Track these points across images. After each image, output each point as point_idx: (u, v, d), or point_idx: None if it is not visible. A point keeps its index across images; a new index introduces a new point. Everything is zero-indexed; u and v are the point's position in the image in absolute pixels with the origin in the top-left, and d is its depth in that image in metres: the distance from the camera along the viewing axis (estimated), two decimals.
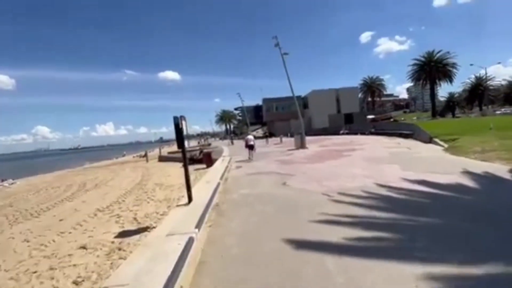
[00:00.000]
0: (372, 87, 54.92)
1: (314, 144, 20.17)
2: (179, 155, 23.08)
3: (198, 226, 3.87)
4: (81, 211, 8.09)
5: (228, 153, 19.89)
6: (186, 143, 6.07)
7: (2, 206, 10.32)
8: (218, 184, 6.69)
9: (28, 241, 5.88)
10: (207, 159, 14.89)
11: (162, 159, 24.37)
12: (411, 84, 50.99)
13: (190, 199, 5.71)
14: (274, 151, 17.50)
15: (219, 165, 11.19)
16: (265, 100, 52.64)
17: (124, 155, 53.40)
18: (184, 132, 6.05)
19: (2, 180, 25.84)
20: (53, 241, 5.71)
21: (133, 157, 42.88)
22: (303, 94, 51.37)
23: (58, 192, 12.36)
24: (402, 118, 40.24)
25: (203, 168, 14.91)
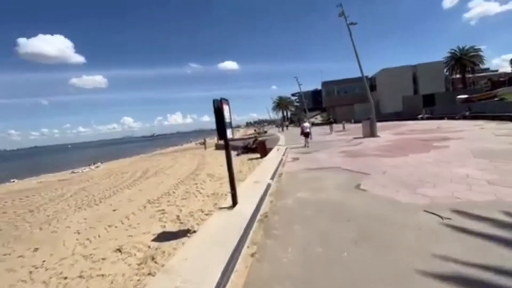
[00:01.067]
0: (463, 60, 44.22)
1: (387, 131, 16.96)
2: (235, 143, 22.79)
3: (234, 254, 2.68)
4: (134, 201, 8.03)
5: (284, 141, 18.48)
6: (230, 132, 4.91)
7: (78, 190, 11.53)
8: (269, 185, 5.36)
9: (79, 233, 5.83)
10: (261, 149, 13.83)
11: (218, 147, 24.67)
12: None
13: (234, 201, 4.62)
14: (337, 139, 15.27)
15: (273, 156, 9.93)
16: (324, 84, 48.57)
17: (191, 141, 57.46)
18: (227, 119, 4.88)
19: (94, 163, 30.78)
20: (98, 236, 5.47)
21: (195, 144, 45.65)
22: (370, 75, 45.32)
23: (124, 178, 13.27)
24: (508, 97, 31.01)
25: (257, 158, 13.94)
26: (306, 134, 13.08)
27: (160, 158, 23.68)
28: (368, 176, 5.58)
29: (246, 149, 16.84)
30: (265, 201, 4.60)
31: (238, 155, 16.65)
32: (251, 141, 16.65)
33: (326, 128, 32.38)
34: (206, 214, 5.81)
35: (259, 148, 14.07)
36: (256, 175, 6.71)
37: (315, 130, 27.22)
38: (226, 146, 4.79)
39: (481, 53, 44.75)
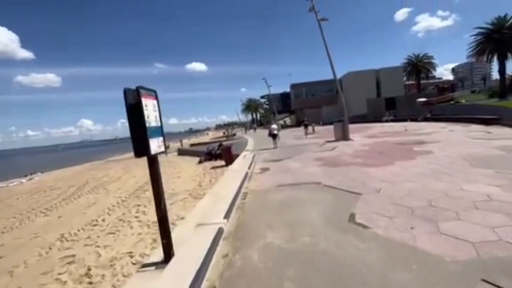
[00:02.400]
0: (418, 66, 47.43)
1: (357, 133, 16.33)
2: (199, 148, 20.65)
3: None
4: (42, 237, 5.74)
5: (253, 145, 16.92)
6: (158, 143, 3.14)
7: None
8: (220, 229, 3.58)
9: None
10: (226, 155, 12.07)
11: (181, 152, 22.29)
12: (469, 59, 42.99)
13: (168, 254, 2.87)
14: (309, 143, 14.12)
15: (239, 166, 8.24)
16: (293, 86, 48.43)
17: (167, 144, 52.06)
18: (153, 122, 3.09)
19: (30, 174, 26.10)
20: None
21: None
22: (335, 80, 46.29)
23: (50, 197, 10.51)
24: (463, 100, 33.43)
25: (222, 166, 12.14)
26: (273, 136, 13.45)
27: (111, 167, 20.50)
28: (360, 198, 4.17)
29: (210, 156, 14.92)
30: (216, 252, 2.87)
31: (200, 162, 14.66)
32: (215, 146, 14.78)
33: (297, 130, 31.71)
34: (134, 264, 3.90)
35: (224, 154, 12.30)
36: (212, 196, 4.95)
37: (285, 133, 26.23)
38: (151, 165, 3.00)
39: (433, 61, 48.52)
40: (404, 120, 25.41)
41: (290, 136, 21.63)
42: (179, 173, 12.13)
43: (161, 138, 3.24)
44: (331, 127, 27.89)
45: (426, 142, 9.65)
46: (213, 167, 12.28)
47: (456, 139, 9.72)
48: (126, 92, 2.78)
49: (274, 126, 14.16)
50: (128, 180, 12.46)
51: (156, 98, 3.21)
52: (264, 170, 7.58)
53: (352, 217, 3.47)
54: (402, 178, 5.11)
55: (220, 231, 2.90)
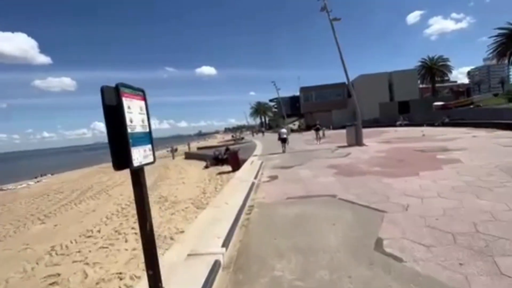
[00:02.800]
0: (433, 69, 45.82)
1: (371, 138, 15.52)
2: (206, 152, 20.22)
3: None
4: (31, 249, 5.32)
5: (261, 149, 16.37)
6: (146, 152, 2.56)
7: None
8: (217, 262, 3.00)
9: None
10: (233, 161, 11.57)
11: (188, 156, 21.98)
12: (489, 61, 41.21)
13: None
14: (320, 148, 13.45)
15: (245, 172, 7.69)
16: (302, 89, 47.71)
17: (168, 148, 49.95)
18: (138, 128, 2.53)
19: (41, 175, 26.41)
20: None
21: (167, 151, 42.00)
22: (347, 81, 45.31)
23: (52, 202, 10.27)
24: (480, 104, 31.83)
25: (228, 172, 11.62)
26: (283, 140, 13.22)
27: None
28: (386, 217, 3.53)
29: (217, 161, 14.45)
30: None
31: (206, 167, 14.20)
32: (222, 150, 14.31)
33: (306, 134, 30.89)
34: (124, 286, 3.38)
35: (230, 160, 11.79)
36: (214, 208, 4.41)
37: (294, 138, 25.52)
38: (134, 181, 2.46)
39: (448, 63, 46.80)
40: (420, 125, 24.27)
41: (300, 141, 20.96)
42: (183, 178, 11.70)
43: (149, 146, 2.70)
44: (342, 131, 27.01)
45: (450, 149, 8.83)
46: (219, 173, 11.78)
47: (484, 146, 8.86)
48: (103, 90, 2.26)
49: (283, 130, 14.01)
50: (129, 186, 12.07)
51: (144, 98, 2.67)
52: (273, 178, 7.00)
53: (379, 244, 2.84)
54: (431, 192, 4.43)
55: (216, 265, 2.34)
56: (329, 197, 4.74)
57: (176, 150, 38.04)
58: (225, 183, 9.15)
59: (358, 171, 6.88)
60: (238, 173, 8.14)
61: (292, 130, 42.10)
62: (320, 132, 25.79)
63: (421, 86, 50.46)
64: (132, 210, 7.40)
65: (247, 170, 7.92)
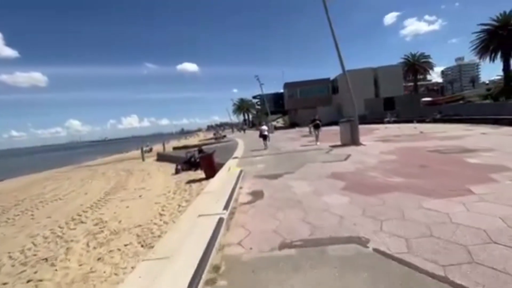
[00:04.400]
0: (416, 66, 45.88)
1: (365, 136, 13.81)
2: (179, 153, 17.72)
3: None
4: None
5: (243, 149, 14.19)
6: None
7: None
8: None
9: None
10: (207, 166, 9.29)
11: (160, 157, 19.29)
12: (460, 61, 41.68)
13: None
14: (311, 148, 11.48)
15: (219, 187, 5.48)
16: (287, 85, 45.95)
17: (148, 147, 44.27)
18: None
19: None
20: None
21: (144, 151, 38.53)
22: (331, 77, 44.12)
23: None
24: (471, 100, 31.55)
25: (200, 180, 9.34)
26: (264, 137, 13.47)
27: (73, 176, 17.28)
28: None
29: (190, 165, 12.09)
30: None
31: (177, 172, 11.79)
32: (196, 152, 11.96)
33: (290, 132, 28.95)
34: None
35: (204, 164, 9.49)
36: (155, 264, 2.21)
37: (278, 135, 23.51)
38: None
39: (430, 60, 47.08)
40: (408, 121, 23.22)
41: (285, 139, 18.98)
42: (143, 189, 9.27)
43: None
44: (328, 128, 25.48)
45: (474, 150, 7.17)
46: (190, 181, 9.47)
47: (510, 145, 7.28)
48: None
49: (264, 127, 14.36)
50: (76, 199, 9.43)
51: None
52: (256, 196, 4.86)
53: None
54: None
55: None
56: (355, 246, 2.68)
57: (150, 150, 34.76)
58: (193, 198, 6.92)
59: (373, 183, 4.91)
60: (210, 185, 5.92)
61: (276, 128, 40.23)
62: (303, 129, 23.87)
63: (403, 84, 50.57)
64: (43, 251, 4.95)
65: (221, 183, 5.72)
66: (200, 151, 11.25)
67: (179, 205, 6.45)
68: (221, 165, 9.44)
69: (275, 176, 6.38)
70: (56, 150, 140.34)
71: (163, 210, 6.24)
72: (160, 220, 5.58)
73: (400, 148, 9.11)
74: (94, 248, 4.57)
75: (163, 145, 29.66)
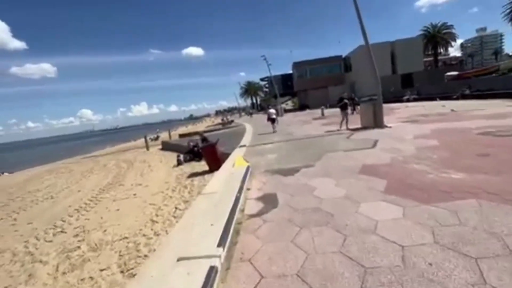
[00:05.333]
0: (437, 38, 42.11)
1: (386, 117, 12.26)
2: (182, 142, 16.68)
3: None
4: None
5: (251, 136, 12.97)
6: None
7: None
8: None
9: None
10: (210, 157, 8.15)
11: (164, 146, 18.37)
12: (482, 32, 37.76)
13: None
14: (328, 134, 10.11)
15: (221, 189, 4.33)
16: (295, 64, 43.51)
17: (157, 134, 43.63)
18: None
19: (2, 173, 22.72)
20: None
21: (150, 139, 37.85)
22: (344, 54, 41.28)
23: None
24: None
25: (203, 173, 8.26)
26: (272, 120, 13.30)
27: (78, 167, 16.66)
28: None
29: (193, 154, 11.03)
30: None
31: (179, 164, 10.77)
32: (199, 141, 10.84)
33: (301, 115, 27.29)
34: None
35: (206, 156, 8.34)
36: None
37: (289, 119, 21.99)
38: None
39: (453, 31, 43.08)
40: (431, 99, 21.14)
41: (297, 122, 17.57)
42: (141, 185, 8.28)
43: None
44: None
45: None
46: (192, 174, 8.41)
47: None
48: None
49: (272, 110, 14.06)
50: (67, 197, 8.56)
51: None
52: (267, 203, 3.68)
53: None
54: None
55: None
56: None
57: (157, 138, 34.07)
58: (193, 196, 5.85)
59: (427, 183, 3.62)
60: (212, 183, 4.79)
61: (285, 110, 38.46)
62: (314, 111, 22.23)
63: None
64: (2, 276, 4.00)
65: (224, 183, 4.56)
66: (204, 139, 10.09)
67: (176, 208, 5.39)
68: (227, 155, 8.30)
69: (291, 171, 5.15)
70: (69, 140, 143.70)
71: (157, 214, 5.21)
72: (151, 229, 4.55)
73: (438, 130, 7.62)
74: (63, 273, 3.59)
75: (169, 132, 28.71)
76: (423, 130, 7.92)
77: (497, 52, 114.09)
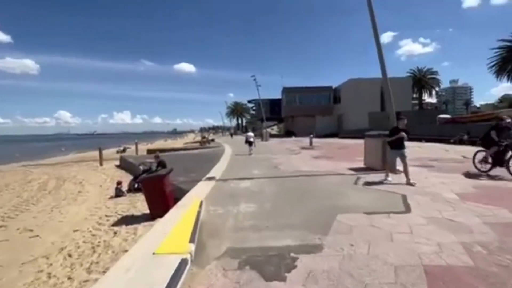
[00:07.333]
0: (422, 81, 43.42)
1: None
2: (147, 159, 13.61)
3: None
4: None
5: (227, 162, 10.35)
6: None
7: None
8: None
9: None
10: (153, 195, 5.35)
11: (122, 163, 15.11)
12: (454, 83, 39.51)
13: None
14: (323, 172, 7.68)
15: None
16: (285, 90, 42.58)
17: (124, 146, 39.99)
18: None
19: None
20: None
21: (117, 151, 33.74)
22: (334, 85, 41.01)
23: None
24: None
25: (139, 218, 5.40)
26: (249, 143, 13.87)
27: (3, 179, 12.95)
28: None
29: (140, 183, 8.10)
30: None
31: (117, 195, 7.78)
32: (154, 164, 7.96)
33: (287, 141, 25.07)
34: None
35: (147, 192, 5.53)
36: None
37: (273, 145, 19.54)
38: None
39: (437, 77, 44.82)
40: (420, 140, 19.74)
41: (283, 151, 15.21)
42: (31, 231, 5.21)
43: None
44: (327, 140, 21.84)
45: None
46: (124, 218, 5.53)
47: None
48: None
49: (250, 133, 14.91)
50: None
51: None
52: None
53: None
54: None
55: None
56: None
57: (124, 150, 30.42)
58: (97, 272, 2.99)
59: None
60: (130, 254, 2.04)
61: (271, 135, 36.48)
62: (302, 139, 20.31)
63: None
64: None
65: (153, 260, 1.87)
66: (159, 164, 7.30)
67: None
68: (183, 192, 5.58)
69: (280, 262, 2.55)
70: (37, 140, 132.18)
71: None
72: None
73: (483, 187, 5.45)
74: None
75: (136, 146, 25.18)
76: (459, 184, 5.74)
77: (468, 103, 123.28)
